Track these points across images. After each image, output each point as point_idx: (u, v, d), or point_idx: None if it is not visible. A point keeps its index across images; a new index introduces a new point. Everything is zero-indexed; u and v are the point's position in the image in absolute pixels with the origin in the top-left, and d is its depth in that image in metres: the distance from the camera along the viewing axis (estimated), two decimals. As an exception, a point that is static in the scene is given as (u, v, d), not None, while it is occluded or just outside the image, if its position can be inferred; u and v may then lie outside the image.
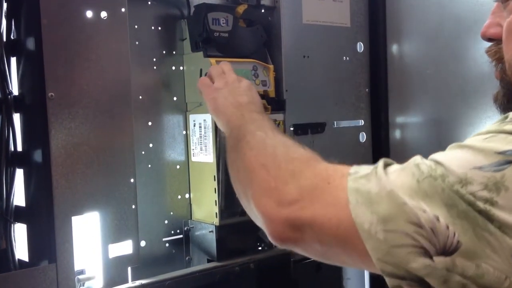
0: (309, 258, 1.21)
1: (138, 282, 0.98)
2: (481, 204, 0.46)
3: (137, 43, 1.06)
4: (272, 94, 1.16)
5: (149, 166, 1.09)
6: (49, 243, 0.89)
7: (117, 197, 0.96)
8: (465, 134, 1.21)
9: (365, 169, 0.55)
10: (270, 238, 0.59)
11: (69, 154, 0.90)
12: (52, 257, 0.89)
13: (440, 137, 1.27)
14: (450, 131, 1.24)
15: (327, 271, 1.26)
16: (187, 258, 1.15)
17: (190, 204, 1.15)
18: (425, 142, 1.31)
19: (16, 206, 0.92)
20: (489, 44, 0.63)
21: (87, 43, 0.92)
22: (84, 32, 0.92)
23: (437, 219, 0.47)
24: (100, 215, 0.94)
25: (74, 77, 0.91)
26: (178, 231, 1.14)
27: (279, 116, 1.16)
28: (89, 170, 0.92)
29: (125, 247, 0.97)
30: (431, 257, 0.47)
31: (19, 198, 0.93)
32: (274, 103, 1.15)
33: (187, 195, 1.15)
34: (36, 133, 0.90)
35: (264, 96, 1.13)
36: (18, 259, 0.92)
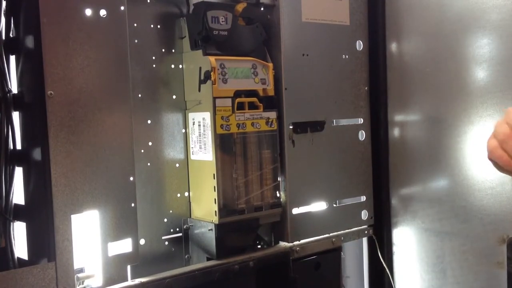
0: (307, 256, 1.22)
1: (137, 280, 0.98)
2: None
3: (136, 41, 1.06)
4: (271, 92, 1.16)
5: (149, 164, 1.09)
6: (49, 241, 0.89)
7: (116, 195, 0.96)
8: (465, 132, 1.21)
9: None
10: None
11: (68, 152, 0.90)
12: (51, 256, 0.89)
13: (439, 135, 1.27)
14: (450, 129, 1.24)
15: (326, 269, 1.26)
16: (186, 256, 1.15)
17: (190, 203, 1.15)
18: (424, 140, 1.31)
19: (16, 205, 0.92)
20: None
21: (87, 41, 0.92)
22: (84, 30, 0.92)
23: None
24: (99, 213, 0.94)
25: (73, 75, 0.91)
26: (177, 229, 1.14)
27: (272, 114, 1.16)
28: (88, 168, 0.92)
29: (124, 246, 0.98)
30: None
31: (18, 196, 0.93)
32: (265, 101, 1.15)
33: (186, 194, 1.15)
34: (36, 131, 0.90)
35: (254, 94, 1.13)
36: (18, 257, 0.92)
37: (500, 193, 1.16)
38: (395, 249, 1.39)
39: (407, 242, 1.36)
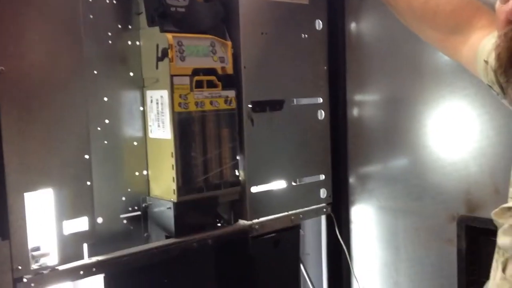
0: (267, 234, 1.23)
1: (94, 259, 0.98)
2: None
3: (91, 16, 1.04)
4: (230, 71, 1.16)
5: (106, 142, 1.08)
6: (2, 220, 0.88)
7: (71, 174, 0.95)
8: (420, 113, 1.24)
9: None
10: None
11: (21, 130, 0.88)
12: (5, 234, 0.88)
13: (396, 115, 1.29)
14: (406, 109, 1.27)
15: (285, 246, 1.28)
16: (145, 234, 1.14)
17: (148, 181, 1.14)
18: (382, 120, 1.33)
19: (-33, 183, 0.90)
20: None
21: (38, 16, 0.90)
22: (34, 5, 0.90)
23: None
24: (54, 192, 0.93)
25: (25, 52, 0.89)
26: (136, 207, 1.13)
27: (231, 93, 1.15)
28: (41, 146, 0.91)
29: (80, 224, 0.97)
30: None
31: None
32: (224, 79, 1.14)
33: (145, 172, 1.14)
34: (-14, 108, 0.88)
35: (213, 72, 1.13)
36: (-29, 236, 0.91)
37: (450, 172, 1.19)
38: (352, 226, 1.42)
39: (364, 220, 1.39)
